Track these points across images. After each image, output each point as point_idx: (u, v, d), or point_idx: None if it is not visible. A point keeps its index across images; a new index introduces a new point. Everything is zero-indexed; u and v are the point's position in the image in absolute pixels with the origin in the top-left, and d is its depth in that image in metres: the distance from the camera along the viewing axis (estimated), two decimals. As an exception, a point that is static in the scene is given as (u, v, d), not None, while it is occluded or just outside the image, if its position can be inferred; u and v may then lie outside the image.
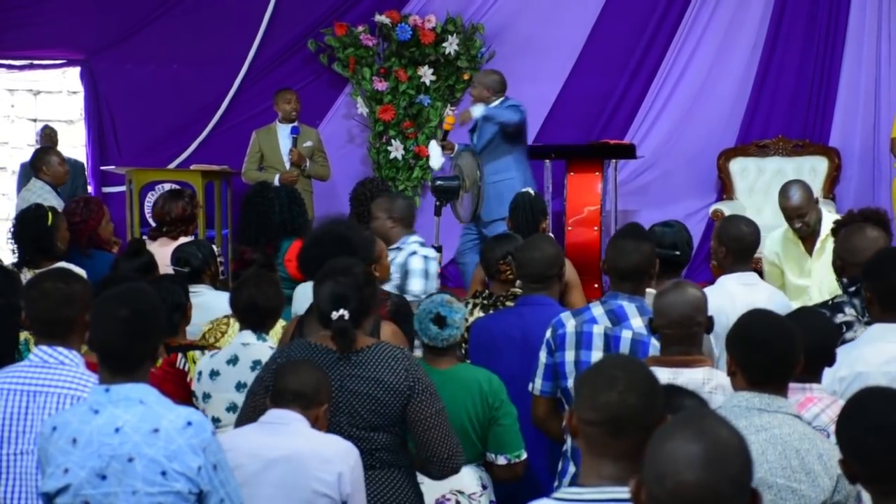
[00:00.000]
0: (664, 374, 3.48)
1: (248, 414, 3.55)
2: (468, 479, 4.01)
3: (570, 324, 4.07)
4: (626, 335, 3.95)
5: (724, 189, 9.66)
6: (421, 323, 4.07)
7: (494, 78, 8.05)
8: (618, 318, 3.99)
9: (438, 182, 7.42)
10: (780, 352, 3.13)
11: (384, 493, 3.52)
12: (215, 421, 4.10)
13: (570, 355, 4.04)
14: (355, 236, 4.39)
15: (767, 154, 9.63)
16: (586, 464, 2.30)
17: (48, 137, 9.65)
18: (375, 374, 3.49)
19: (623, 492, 2.22)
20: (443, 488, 3.95)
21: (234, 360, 4.15)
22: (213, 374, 4.17)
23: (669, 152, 9.74)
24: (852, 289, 4.35)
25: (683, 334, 3.55)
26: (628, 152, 8.94)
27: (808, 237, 5.89)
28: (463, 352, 4.61)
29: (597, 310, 4.07)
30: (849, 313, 4.21)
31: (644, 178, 9.76)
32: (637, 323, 3.98)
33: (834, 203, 9.24)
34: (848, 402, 2.60)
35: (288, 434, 3.25)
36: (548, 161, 8.90)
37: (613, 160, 8.96)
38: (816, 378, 3.50)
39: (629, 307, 4.01)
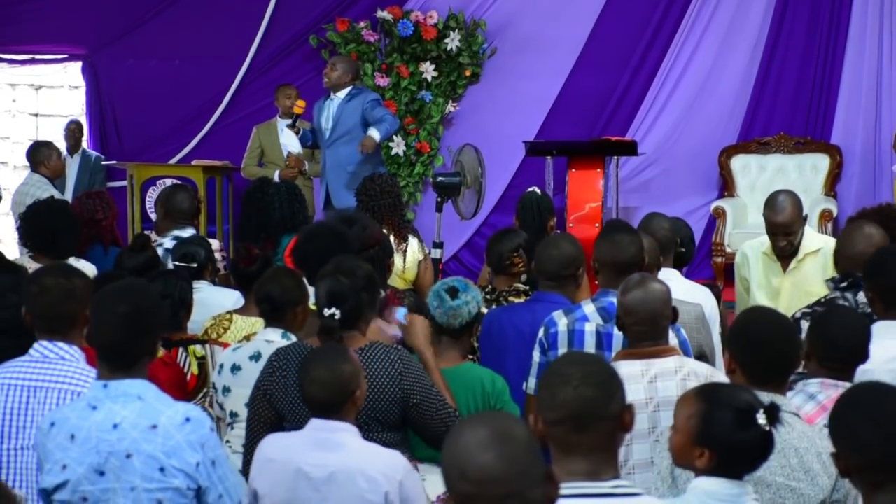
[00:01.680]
0: (637, 367, 3.49)
1: (255, 424, 3.56)
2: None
3: (562, 322, 4.07)
4: (618, 331, 3.96)
5: (726, 186, 9.65)
6: (435, 296, 4.04)
7: (356, 66, 8.23)
8: (609, 315, 3.98)
9: (440, 178, 7.41)
10: (780, 351, 3.13)
11: None
12: (234, 415, 4.09)
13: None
14: (350, 231, 4.39)
15: (769, 151, 9.61)
16: (556, 463, 2.33)
17: (72, 133, 9.65)
18: (369, 379, 3.46)
19: (594, 486, 2.24)
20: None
21: (256, 357, 4.11)
22: (235, 368, 4.14)
23: (671, 149, 9.73)
24: (843, 283, 4.34)
25: (653, 329, 3.55)
26: (630, 149, 8.93)
27: (788, 256, 5.29)
28: (475, 343, 4.60)
29: (588, 307, 4.07)
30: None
31: (646, 174, 9.75)
32: None
33: (836, 200, 9.24)
34: (842, 395, 2.62)
35: (333, 448, 3.16)
36: (549, 158, 8.89)
37: (615, 157, 8.95)
38: (850, 376, 3.48)
39: None
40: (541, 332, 4.12)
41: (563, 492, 2.23)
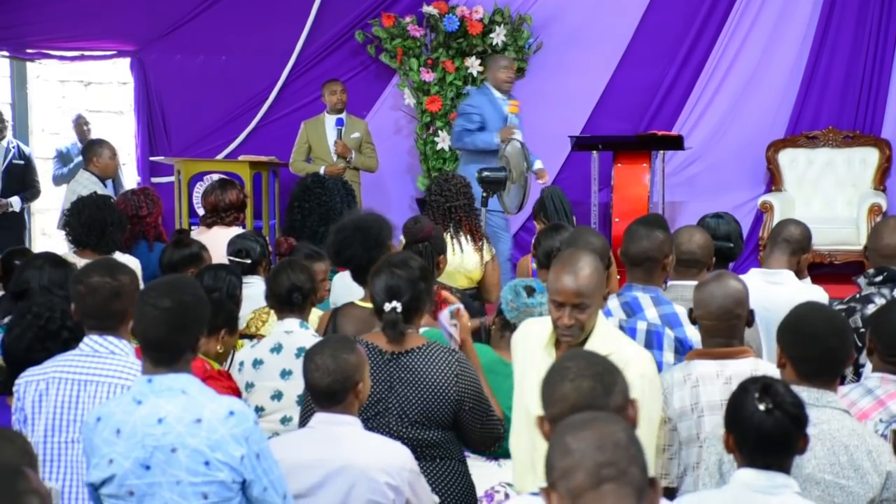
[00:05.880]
0: (712, 367, 3.46)
1: (307, 419, 3.57)
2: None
3: None
4: (641, 327, 3.94)
5: (773, 180, 9.56)
6: (511, 290, 4.05)
7: None
8: (632, 310, 3.98)
9: (485, 173, 7.40)
10: (831, 347, 3.11)
11: (436, 485, 3.52)
12: (259, 410, 4.12)
13: None
14: (375, 224, 4.47)
15: (817, 145, 9.52)
16: None
17: (80, 126, 9.71)
18: (425, 378, 3.48)
19: None
20: (493, 480, 3.96)
21: (277, 349, 4.16)
22: (257, 362, 4.18)
23: (718, 143, 9.66)
24: (878, 278, 4.32)
25: (723, 326, 3.51)
26: (676, 143, 8.87)
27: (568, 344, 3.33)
28: None
29: (612, 302, 4.04)
30: (879, 303, 4.17)
31: (692, 169, 9.68)
32: (651, 314, 3.96)
33: (885, 195, 9.13)
34: None
35: (338, 442, 3.17)
36: (595, 152, 8.84)
37: (661, 151, 8.89)
38: None
39: (643, 298, 3.99)
40: None
41: None
